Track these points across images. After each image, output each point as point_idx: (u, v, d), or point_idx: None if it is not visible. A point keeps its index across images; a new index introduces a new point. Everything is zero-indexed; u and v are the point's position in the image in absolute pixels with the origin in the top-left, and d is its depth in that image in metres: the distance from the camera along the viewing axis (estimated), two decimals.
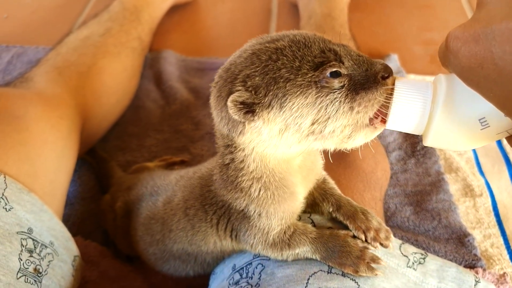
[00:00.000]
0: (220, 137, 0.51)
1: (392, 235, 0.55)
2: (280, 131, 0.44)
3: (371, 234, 0.54)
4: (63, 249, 0.68)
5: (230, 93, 0.44)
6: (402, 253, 0.59)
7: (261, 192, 0.51)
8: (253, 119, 0.44)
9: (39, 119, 0.74)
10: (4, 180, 0.62)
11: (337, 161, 0.71)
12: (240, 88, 0.43)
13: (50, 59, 0.97)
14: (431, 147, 0.99)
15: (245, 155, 0.49)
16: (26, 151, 0.69)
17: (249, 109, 0.44)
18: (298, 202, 0.55)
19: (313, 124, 0.43)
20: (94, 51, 1.01)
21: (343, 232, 0.55)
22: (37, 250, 0.63)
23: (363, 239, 0.54)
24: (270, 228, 0.54)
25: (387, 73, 0.43)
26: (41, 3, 1.54)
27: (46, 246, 0.64)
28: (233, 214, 0.55)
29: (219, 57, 1.28)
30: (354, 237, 0.55)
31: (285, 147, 0.46)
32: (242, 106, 0.43)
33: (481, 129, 0.36)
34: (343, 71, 0.43)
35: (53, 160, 0.74)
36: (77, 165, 0.97)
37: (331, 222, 0.58)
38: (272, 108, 0.43)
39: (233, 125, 0.46)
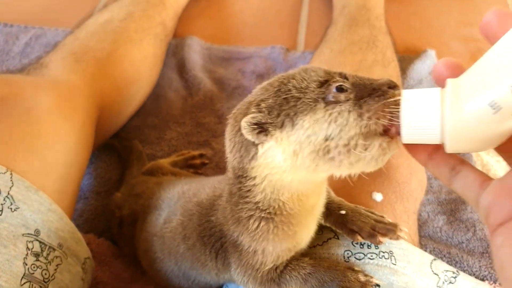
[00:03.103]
0: (231, 170, 0.49)
1: (402, 227, 0.54)
2: (295, 153, 0.43)
3: (365, 233, 0.53)
4: (73, 251, 0.65)
5: (245, 116, 0.45)
6: (433, 271, 0.56)
7: (261, 225, 0.49)
8: (265, 139, 0.43)
9: (51, 111, 0.70)
10: (11, 178, 0.59)
11: None
12: (254, 110, 0.45)
13: (67, 44, 0.92)
14: (468, 153, 0.93)
15: (254, 184, 0.47)
16: (36, 145, 0.65)
17: (262, 129, 0.44)
18: (298, 243, 0.53)
19: (326, 140, 0.42)
20: (114, 36, 0.96)
21: (343, 264, 0.52)
22: (44, 254, 0.59)
23: (360, 240, 0.53)
24: (262, 265, 0.51)
25: (393, 84, 0.42)
26: None
27: (54, 249, 0.61)
28: (230, 248, 0.53)
29: (246, 46, 1.22)
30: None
31: (301, 169, 0.44)
32: (255, 126, 0.43)
33: (493, 114, 0.33)
34: (347, 85, 0.43)
35: (65, 154, 0.70)
36: (93, 157, 0.94)
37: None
38: (285, 127, 0.43)
39: (245, 149, 0.45)
